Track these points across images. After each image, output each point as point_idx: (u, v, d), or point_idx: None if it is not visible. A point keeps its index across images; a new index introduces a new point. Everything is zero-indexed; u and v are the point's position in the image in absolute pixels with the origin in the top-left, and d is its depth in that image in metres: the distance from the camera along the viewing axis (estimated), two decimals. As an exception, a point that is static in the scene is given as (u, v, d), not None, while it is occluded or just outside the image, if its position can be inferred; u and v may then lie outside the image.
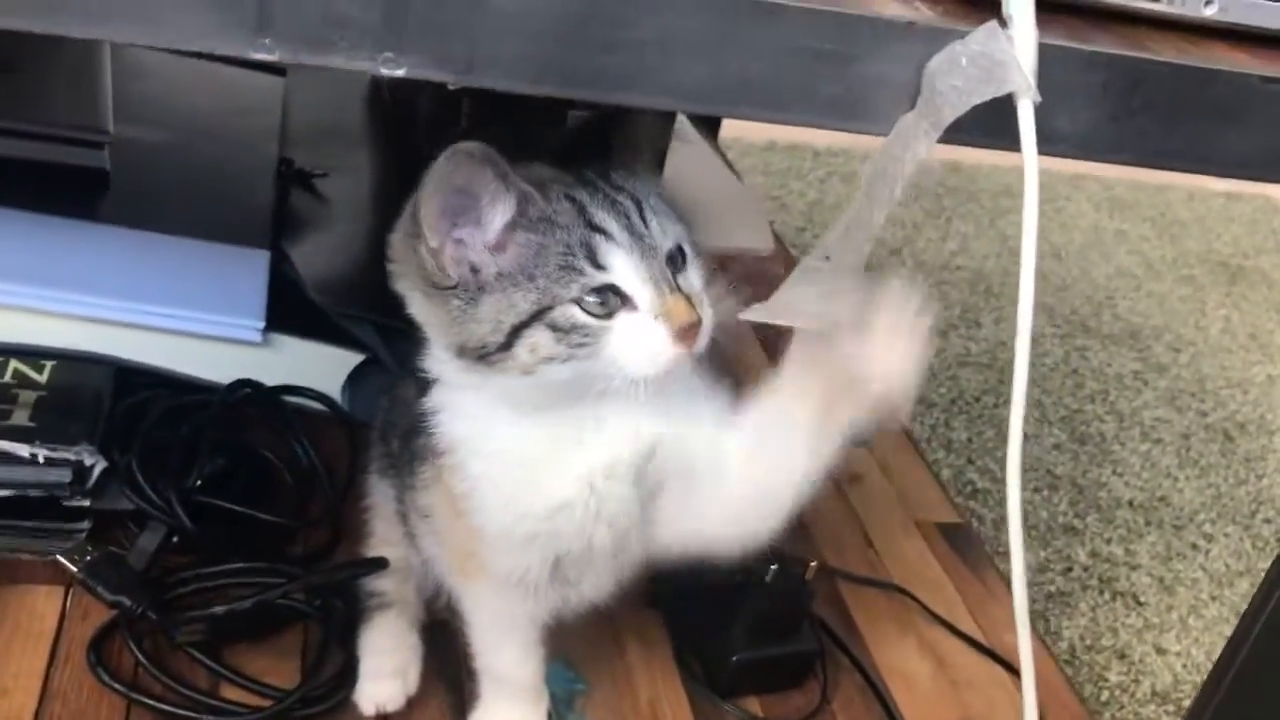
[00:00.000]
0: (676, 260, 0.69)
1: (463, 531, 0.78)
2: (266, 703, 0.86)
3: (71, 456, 0.92)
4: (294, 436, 1.04)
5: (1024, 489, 1.67)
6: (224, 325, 1.03)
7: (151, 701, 0.84)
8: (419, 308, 0.71)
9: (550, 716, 0.90)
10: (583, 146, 0.72)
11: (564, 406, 0.72)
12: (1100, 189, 2.68)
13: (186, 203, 1.15)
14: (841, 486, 1.24)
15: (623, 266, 0.67)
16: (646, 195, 0.70)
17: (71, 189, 1.12)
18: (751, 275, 1.58)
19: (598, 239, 0.67)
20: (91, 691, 0.85)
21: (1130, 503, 1.71)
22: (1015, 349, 0.58)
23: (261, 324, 1.04)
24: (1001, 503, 1.64)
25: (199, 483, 0.96)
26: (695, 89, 0.53)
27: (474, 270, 0.67)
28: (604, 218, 0.68)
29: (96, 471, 0.93)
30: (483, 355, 0.68)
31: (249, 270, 1.08)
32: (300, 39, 0.49)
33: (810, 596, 0.97)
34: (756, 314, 0.66)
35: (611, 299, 0.67)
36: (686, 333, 0.67)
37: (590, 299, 0.66)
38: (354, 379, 1.08)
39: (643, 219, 0.69)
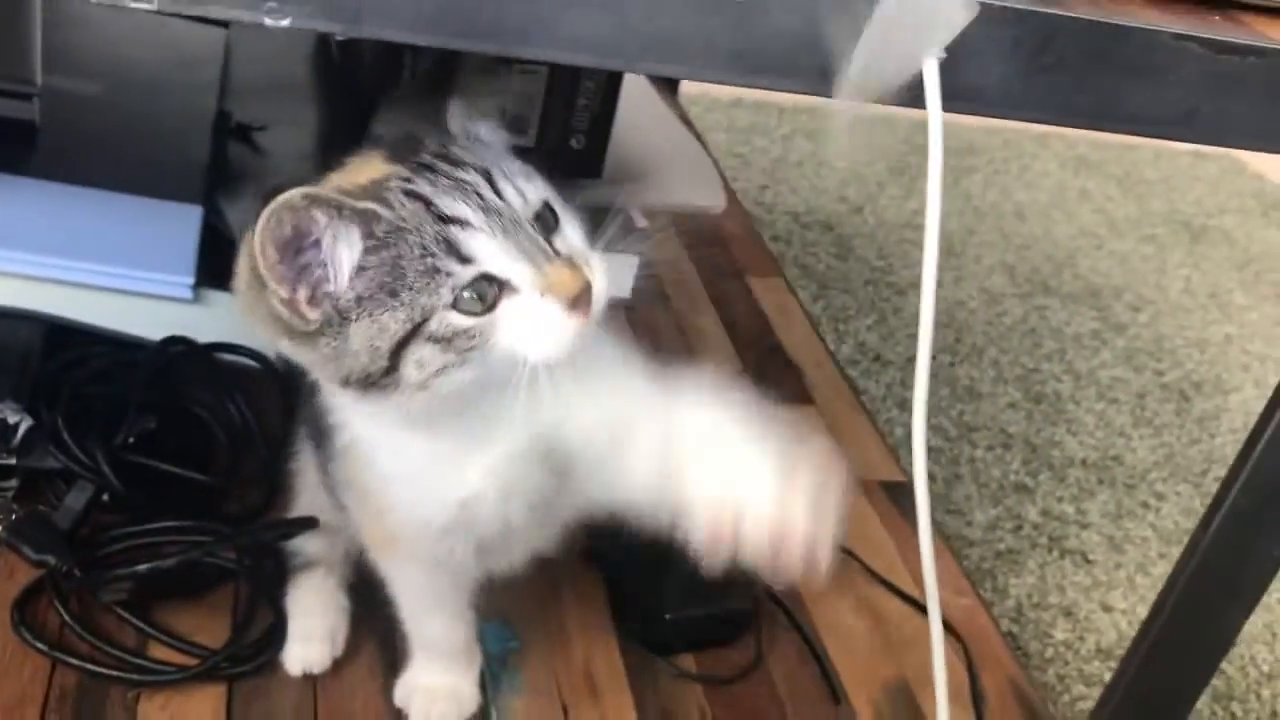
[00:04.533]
0: (548, 221, 0.65)
1: (379, 520, 0.76)
2: (194, 661, 0.86)
3: (-6, 414, 0.91)
4: (227, 394, 1.03)
5: (976, 447, 1.68)
6: (155, 281, 1.02)
7: (77, 661, 0.84)
8: (288, 350, 0.65)
9: (483, 675, 0.90)
10: (427, 95, 0.68)
11: (467, 410, 0.67)
12: (1066, 147, 2.68)
13: (118, 157, 1.13)
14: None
15: (488, 251, 0.61)
16: (495, 160, 0.65)
17: (-3, 142, 1.10)
18: (704, 234, 1.58)
19: (454, 230, 0.61)
20: (15, 651, 0.85)
21: (1083, 461, 1.71)
22: (921, 310, 0.57)
23: (192, 280, 1.03)
24: (955, 461, 1.65)
25: (129, 441, 0.95)
26: (595, 42, 0.52)
27: (332, 301, 0.61)
28: (453, 204, 0.62)
29: (22, 429, 0.92)
30: (370, 383, 0.63)
31: (181, 226, 1.06)
32: (179, -13, 0.48)
33: (744, 555, 0.97)
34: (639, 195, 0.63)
35: (488, 289, 0.61)
36: (579, 301, 0.62)
37: (466, 296, 0.61)
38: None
39: (496, 191, 0.63)
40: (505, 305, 0.62)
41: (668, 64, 0.53)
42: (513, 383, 0.63)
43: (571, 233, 0.66)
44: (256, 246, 0.59)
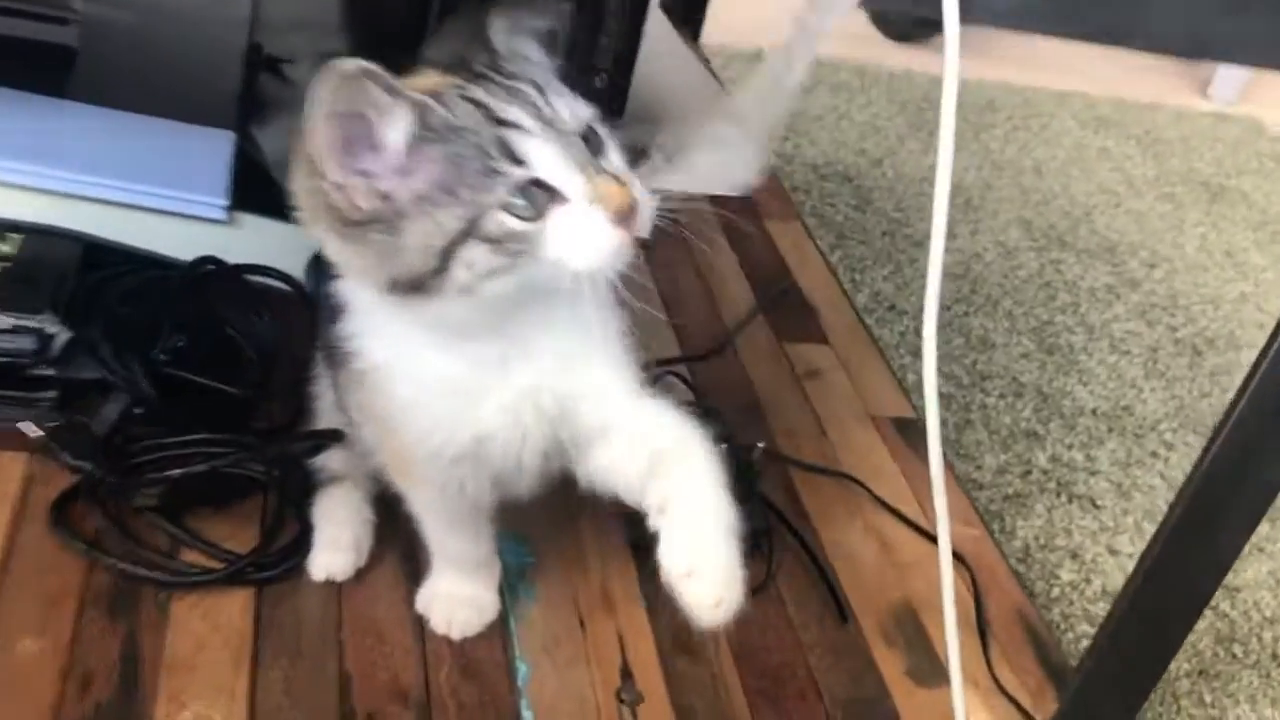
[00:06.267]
0: (593, 142, 0.67)
1: (395, 445, 0.79)
2: (221, 565, 0.89)
3: (34, 325, 0.94)
4: (256, 313, 1.06)
5: (989, 395, 1.70)
6: (189, 202, 1.05)
7: (111, 560, 0.88)
8: (338, 250, 0.67)
9: (502, 586, 0.93)
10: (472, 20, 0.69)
11: (501, 324, 0.70)
12: (1085, 106, 2.68)
13: (154, 83, 1.15)
14: (800, 381, 1.26)
15: (542, 157, 0.64)
16: (545, 78, 0.67)
17: (39, 65, 1.13)
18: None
19: (509, 133, 0.63)
20: (54, 550, 0.88)
21: (1094, 411, 1.73)
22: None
23: (225, 202, 1.06)
24: (966, 407, 1.67)
25: (163, 355, 0.98)
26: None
27: (387, 198, 0.63)
28: (509, 110, 0.64)
29: (60, 341, 0.95)
30: (416, 285, 0.65)
31: (214, 150, 1.09)
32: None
33: (756, 477, 1.00)
34: (673, 182, 0.66)
35: (538, 196, 0.64)
36: (625, 215, 0.64)
37: (517, 201, 0.63)
38: (318, 259, 1.09)
39: (548, 103, 0.65)
40: (555, 213, 0.64)
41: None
42: (554, 293, 0.66)
43: (616, 157, 0.68)
44: (311, 120, 0.60)
